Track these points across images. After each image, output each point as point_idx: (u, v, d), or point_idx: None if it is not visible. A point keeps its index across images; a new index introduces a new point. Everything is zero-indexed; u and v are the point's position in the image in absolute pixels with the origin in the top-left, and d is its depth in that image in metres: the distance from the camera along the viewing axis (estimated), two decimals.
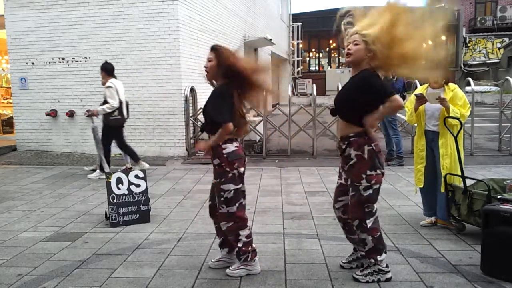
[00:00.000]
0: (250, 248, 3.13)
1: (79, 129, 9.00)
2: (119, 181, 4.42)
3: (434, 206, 4.19)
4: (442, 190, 4.00)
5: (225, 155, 3.02)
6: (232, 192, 3.03)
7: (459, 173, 3.91)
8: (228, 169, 3.02)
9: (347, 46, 2.91)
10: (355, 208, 2.95)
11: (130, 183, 4.47)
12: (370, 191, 2.91)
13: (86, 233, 4.22)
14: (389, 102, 2.79)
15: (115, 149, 8.81)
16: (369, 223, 2.93)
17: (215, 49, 3.07)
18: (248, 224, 3.17)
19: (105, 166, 6.35)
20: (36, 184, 6.42)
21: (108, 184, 4.39)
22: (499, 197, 3.46)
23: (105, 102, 6.47)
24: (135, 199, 4.47)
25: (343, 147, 2.98)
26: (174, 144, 8.63)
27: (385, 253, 3.04)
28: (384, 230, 4.13)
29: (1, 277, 3.23)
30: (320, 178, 6.48)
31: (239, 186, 3.06)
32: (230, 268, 3.20)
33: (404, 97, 7.90)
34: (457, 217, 3.96)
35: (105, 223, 4.47)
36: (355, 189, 2.93)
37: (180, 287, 3.04)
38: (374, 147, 2.91)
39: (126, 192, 4.44)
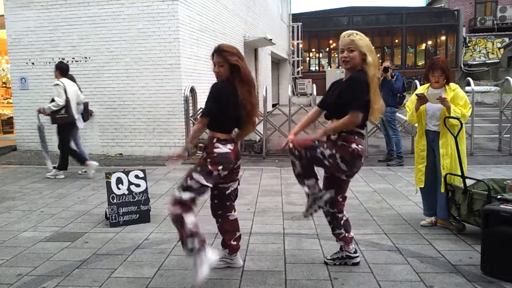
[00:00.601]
0: (196, 232, 2.85)
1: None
2: (119, 181, 4.42)
3: (434, 206, 4.19)
4: (442, 190, 4.00)
5: (214, 154, 2.97)
6: (199, 185, 2.91)
7: (459, 173, 3.92)
8: (209, 166, 2.95)
9: (342, 53, 2.96)
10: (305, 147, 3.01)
11: (130, 183, 4.47)
12: (331, 160, 2.95)
13: (86, 233, 4.22)
14: (349, 115, 2.86)
15: (115, 149, 8.85)
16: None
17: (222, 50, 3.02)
18: (194, 213, 2.93)
19: (48, 163, 6.70)
20: (36, 184, 6.42)
21: (108, 184, 4.39)
22: (499, 197, 3.46)
23: (53, 100, 6.52)
24: (135, 199, 4.47)
25: (333, 138, 3.00)
26: (174, 144, 8.63)
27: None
28: (384, 230, 4.14)
29: (1, 277, 3.23)
30: (320, 178, 6.46)
31: (208, 184, 2.95)
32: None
33: (403, 97, 7.91)
34: (457, 217, 3.96)
35: (105, 223, 4.47)
36: (316, 148, 2.98)
37: (180, 287, 3.04)
38: (359, 149, 2.94)
39: (126, 192, 4.44)
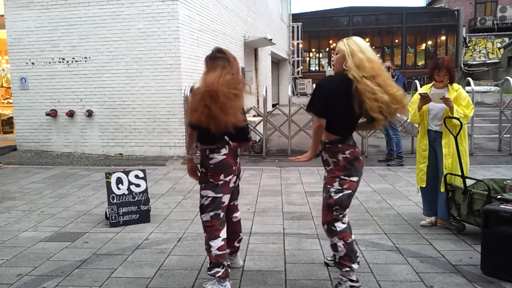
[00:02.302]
0: (222, 261, 2.87)
1: (79, 129, 9.00)
2: (119, 181, 4.43)
3: (434, 206, 4.19)
4: (442, 189, 4.00)
5: (211, 166, 2.92)
6: (210, 199, 2.92)
7: (459, 173, 3.92)
8: (211, 180, 2.93)
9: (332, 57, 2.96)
10: (325, 211, 2.88)
11: (130, 183, 4.47)
12: (340, 194, 2.82)
13: (86, 233, 4.22)
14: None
15: (115, 149, 8.85)
16: (338, 227, 2.82)
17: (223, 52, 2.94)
18: (220, 236, 2.91)
19: None
20: (36, 184, 6.42)
21: (108, 184, 4.39)
22: (499, 197, 3.46)
23: None
24: (135, 199, 4.47)
25: (319, 150, 2.95)
26: (174, 144, 8.63)
27: (358, 263, 2.90)
28: (384, 230, 4.14)
29: (1, 277, 3.23)
30: (320, 178, 6.48)
31: (219, 195, 2.92)
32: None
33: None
34: (457, 217, 3.96)
35: (105, 223, 4.47)
36: (326, 191, 2.89)
37: (180, 287, 3.04)
38: (348, 155, 2.83)
39: (126, 192, 4.45)
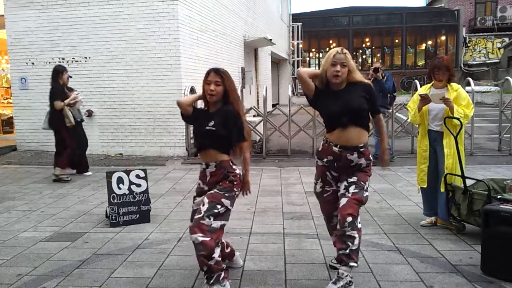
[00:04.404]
0: (221, 266, 2.86)
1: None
2: (120, 180, 4.42)
3: (435, 206, 4.19)
4: (442, 189, 4.00)
5: (238, 175, 2.99)
6: (225, 210, 2.88)
7: (460, 173, 3.92)
8: (235, 189, 2.97)
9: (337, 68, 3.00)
10: (354, 205, 2.92)
11: (131, 182, 4.47)
12: (367, 192, 3.06)
13: (86, 233, 4.22)
14: None
15: (115, 149, 8.85)
16: (359, 224, 2.92)
17: (222, 75, 2.98)
18: (220, 244, 2.93)
19: None
20: (36, 184, 6.42)
21: (109, 184, 4.39)
22: (499, 197, 3.46)
23: None
24: (136, 199, 4.47)
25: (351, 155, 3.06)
26: (174, 144, 8.63)
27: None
28: (384, 230, 4.14)
29: (1, 277, 3.23)
30: None
31: (232, 207, 2.95)
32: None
33: (394, 97, 7.94)
34: (457, 217, 3.96)
35: (105, 223, 4.47)
36: (360, 187, 2.99)
37: (180, 287, 3.04)
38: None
39: (127, 192, 4.44)
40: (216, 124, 2.92)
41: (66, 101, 6.40)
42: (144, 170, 4.60)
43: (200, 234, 2.75)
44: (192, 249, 3.71)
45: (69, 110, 6.41)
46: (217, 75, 2.95)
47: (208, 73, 2.98)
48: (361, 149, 3.03)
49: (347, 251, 2.84)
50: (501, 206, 3.14)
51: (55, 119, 6.40)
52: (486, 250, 3.14)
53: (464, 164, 4.01)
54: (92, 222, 4.56)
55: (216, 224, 2.81)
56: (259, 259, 3.49)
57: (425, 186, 4.18)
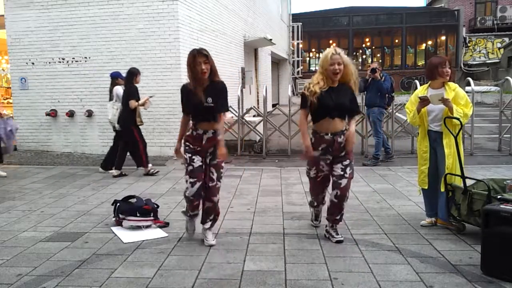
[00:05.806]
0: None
1: (79, 129, 9.01)
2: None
3: (436, 206, 4.18)
4: (442, 189, 4.00)
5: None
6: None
7: (460, 173, 3.91)
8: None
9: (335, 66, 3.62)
10: (350, 183, 3.73)
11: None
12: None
13: (86, 233, 4.22)
14: None
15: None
16: None
17: (206, 54, 3.53)
18: None
19: None
20: (36, 184, 6.42)
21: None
22: (499, 197, 3.46)
23: None
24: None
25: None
26: (174, 144, 8.60)
27: None
28: (384, 230, 4.14)
29: (1, 277, 3.23)
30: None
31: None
32: (208, 239, 3.78)
33: (392, 98, 7.96)
34: (457, 217, 3.96)
35: (105, 223, 4.47)
36: (351, 168, 3.74)
37: (180, 287, 3.04)
38: None
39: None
40: (213, 101, 3.54)
41: (141, 101, 6.84)
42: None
43: (217, 196, 3.74)
44: (192, 249, 3.73)
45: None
46: (203, 55, 3.47)
47: (194, 55, 3.47)
48: (344, 132, 3.72)
49: (339, 217, 3.83)
50: (501, 206, 3.14)
51: (128, 118, 6.76)
52: (486, 250, 3.14)
53: (464, 164, 4.01)
54: (92, 222, 4.56)
55: (220, 184, 3.76)
56: (259, 259, 3.49)
57: (426, 188, 4.17)
